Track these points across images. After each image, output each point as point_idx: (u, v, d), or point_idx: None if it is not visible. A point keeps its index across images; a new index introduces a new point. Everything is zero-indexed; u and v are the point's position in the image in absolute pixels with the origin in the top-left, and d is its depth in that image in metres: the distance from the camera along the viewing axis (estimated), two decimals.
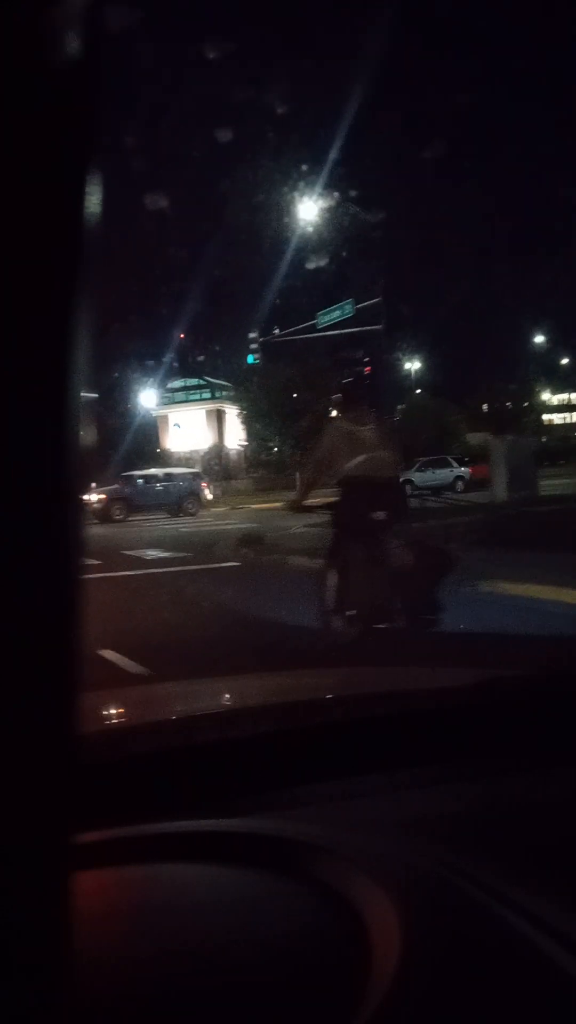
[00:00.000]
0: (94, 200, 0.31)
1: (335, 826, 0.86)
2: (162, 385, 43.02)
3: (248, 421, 37.19)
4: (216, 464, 43.32)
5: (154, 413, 45.82)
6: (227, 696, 1.56)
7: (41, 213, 0.30)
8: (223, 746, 1.04)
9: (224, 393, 45.73)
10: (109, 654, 4.84)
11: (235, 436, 45.83)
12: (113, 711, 1.26)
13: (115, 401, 41.93)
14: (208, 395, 45.66)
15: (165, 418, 43.92)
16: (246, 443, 44.69)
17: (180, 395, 44.73)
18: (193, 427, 43.95)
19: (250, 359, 25.46)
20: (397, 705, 1.21)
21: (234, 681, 2.00)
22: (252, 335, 24.88)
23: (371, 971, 0.57)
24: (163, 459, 43.96)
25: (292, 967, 0.61)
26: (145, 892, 0.75)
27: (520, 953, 0.60)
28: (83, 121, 0.31)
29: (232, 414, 46.20)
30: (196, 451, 43.79)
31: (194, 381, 45.51)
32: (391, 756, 1.06)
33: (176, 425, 40.76)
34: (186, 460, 42.11)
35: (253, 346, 24.90)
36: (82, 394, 0.31)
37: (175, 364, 42.46)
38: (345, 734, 1.10)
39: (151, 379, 43.21)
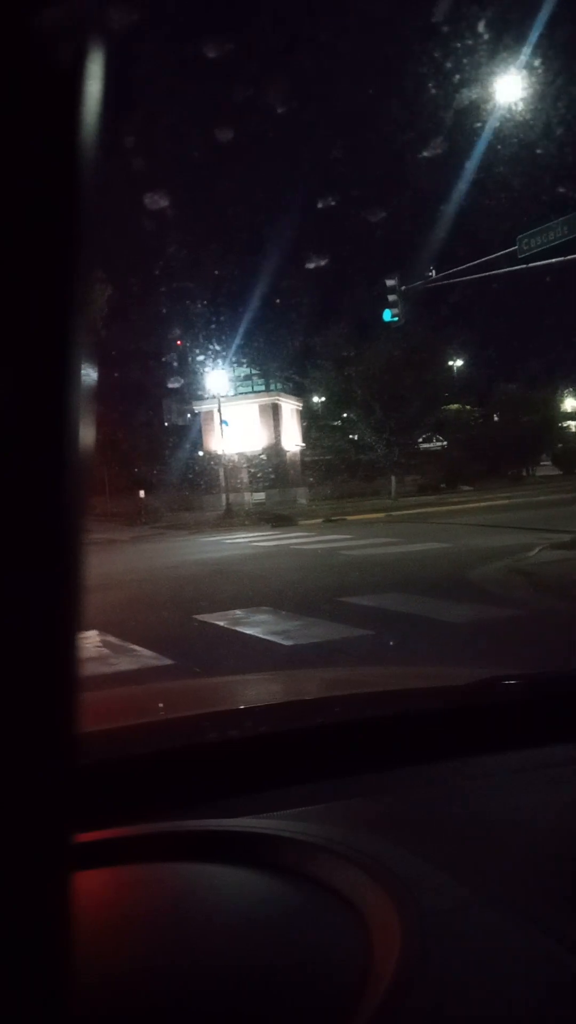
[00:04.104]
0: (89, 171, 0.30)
1: (336, 826, 0.84)
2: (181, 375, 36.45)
3: (329, 411, 30.75)
4: (270, 469, 36.70)
5: (197, 410, 39.27)
6: (228, 696, 1.55)
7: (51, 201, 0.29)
8: (224, 746, 1.03)
9: (279, 385, 39.16)
10: None
11: (294, 435, 39.34)
12: (114, 711, 1.27)
13: (133, 401, 35.61)
14: (262, 386, 39.00)
15: (211, 415, 37.16)
16: (302, 443, 38.33)
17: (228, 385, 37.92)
18: (245, 424, 37.22)
19: (387, 315, 18.44)
20: (397, 705, 1.22)
21: (235, 681, 2.10)
22: (390, 282, 18.04)
23: (372, 970, 0.57)
24: (204, 464, 37.71)
25: (292, 966, 0.61)
26: (145, 891, 0.75)
27: (520, 953, 0.60)
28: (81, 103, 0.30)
29: (290, 408, 39.77)
30: (243, 453, 37.14)
31: (245, 370, 38.81)
32: (391, 755, 1.06)
33: (224, 423, 33.91)
34: (233, 464, 35.69)
35: (392, 297, 18.02)
36: (85, 388, 0.30)
37: (216, 348, 35.77)
38: (345, 734, 1.10)
39: (188, 371, 36.75)
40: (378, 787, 0.99)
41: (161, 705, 1.45)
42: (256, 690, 1.64)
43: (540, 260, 15.29)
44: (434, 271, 18.10)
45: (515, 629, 6.03)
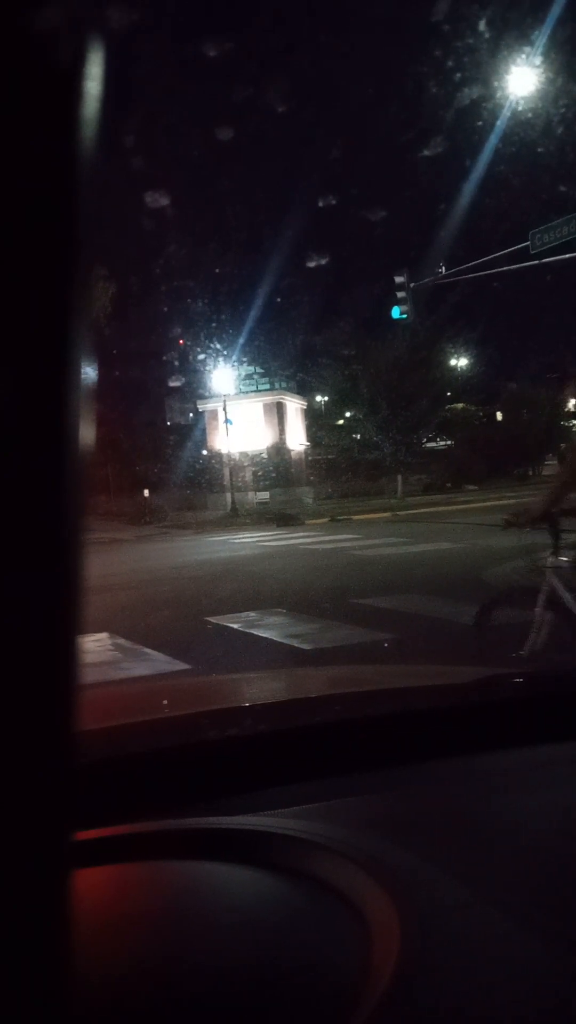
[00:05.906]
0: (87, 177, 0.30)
1: (336, 824, 0.84)
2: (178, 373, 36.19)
3: (334, 410, 30.46)
4: (273, 468, 36.46)
5: (200, 408, 39.05)
6: (228, 694, 1.54)
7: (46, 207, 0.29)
8: (224, 744, 1.02)
9: (283, 384, 38.90)
10: None
11: (297, 433, 39.06)
12: (114, 709, 1.24)
13: (135, 401, 35.43)
14: (267, 385, 38.73)
15: (214, 413, 36.93)
16: (307, 442, 38.05)
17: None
18: (248, 423, 36.95)
19: (395, 312, 18.17)
20: (397, 703, 1.20)
21: (235, 679, 2.09)
22: (399, 279, 17.78)
23: (371, 969, 0.57)
24: (208, 463, 37.46)
25: (292, 964, 0.61)
26: (145, 889, 0.75)
27: (520, 952, 0.59)
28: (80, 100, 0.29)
29: (294, 407, 39.50)
30: (247, 452, 36.89)
31: (248, 369, 38.56)
32: (392, 754, 1.05)
33: (227, 422, 33.62)
34: (236, 464, 35.42)
35: (400, 294, 17.76)
36: (85, 388, 0.30)
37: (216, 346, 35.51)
38: (345, 732, 1.09)
39: (189, 370, 36.55)
40: (378, 785, 0.98)
41: (162, 703, 1.44)
42: (256, 688, 1.62)
43: (552, 256, 15.05)
44: (443, 267, 17.87)
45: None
